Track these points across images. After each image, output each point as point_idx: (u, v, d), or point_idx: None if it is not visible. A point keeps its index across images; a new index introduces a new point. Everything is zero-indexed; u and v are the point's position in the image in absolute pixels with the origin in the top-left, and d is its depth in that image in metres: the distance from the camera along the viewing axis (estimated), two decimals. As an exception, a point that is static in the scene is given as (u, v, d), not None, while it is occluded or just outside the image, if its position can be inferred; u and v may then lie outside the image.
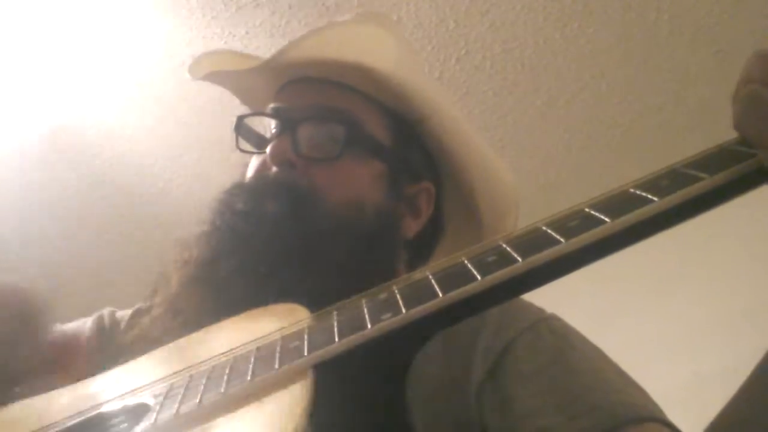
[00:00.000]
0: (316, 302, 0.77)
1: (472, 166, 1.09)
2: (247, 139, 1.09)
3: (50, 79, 2.42)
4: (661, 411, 0.85)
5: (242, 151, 1.08)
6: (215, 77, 1.15)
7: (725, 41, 2.46)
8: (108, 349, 1.03)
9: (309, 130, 1.02)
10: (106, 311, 1.11)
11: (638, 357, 2.16)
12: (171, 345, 0.87)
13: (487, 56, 2.47)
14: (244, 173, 1.07)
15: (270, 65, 1.06)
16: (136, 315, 1.09)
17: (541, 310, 0.96)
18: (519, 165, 2.94)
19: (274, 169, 1.01)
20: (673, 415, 0.85)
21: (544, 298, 1.00)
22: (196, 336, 0.86)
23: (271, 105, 1.08)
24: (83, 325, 1.09)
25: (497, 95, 2.62)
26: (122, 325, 1.08)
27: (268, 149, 1.02)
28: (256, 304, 0.84)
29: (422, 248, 1.10)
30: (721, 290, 2.57)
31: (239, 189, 1.02)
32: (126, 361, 0.89)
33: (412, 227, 1.06)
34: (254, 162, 1.06)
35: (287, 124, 1.03)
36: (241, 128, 1.09)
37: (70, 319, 1.11)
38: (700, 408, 0.88)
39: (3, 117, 2.52)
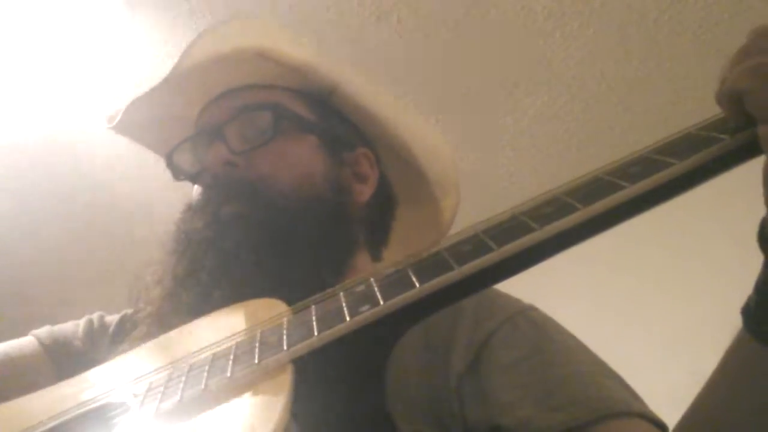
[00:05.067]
0: (296, 286, 0.78)
1: (397, 123, 1.12)
2: (183, 173, 1.10)
3: (46, 83, 2.43)
4: (641, 402, 0.85)
5: (182, 180, 1.10)
6: (132, 131, 1.17)
7: (725, 41, 2.45)
8: (98, 352, 1.04)
9: (236, 127, 1.04)
10: (95, 315, 1.12)
11: (638, 357, 2.16)
12: (150, 344, 0.87)
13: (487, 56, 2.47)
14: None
15: (176, 74, 1.07)
16: (124, 320, 1.10)
17: (519, 302, 0.96)
18: (519, 165, 2.94)
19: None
20: (672, 415, 0.85)
21: (543, 298, 1.00)
22: (175, 334, 0.86)
23: (195, 129, 1.10)
24: (75, 327, 1.09)
25: (497, 95, 2.62)
26: (111, 330, 1.09)
27: (205, 162, 1.04)
28: (241, 302, 0.85)
29: (378, 215, 1.12)
30: (721, 289, 2.56)
31: (193, 208, 1.03)
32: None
33: (363, 191, 1.09)
34: (197, 186, 1.07)
35: (214, 132, 1.05)
36: (173, 163, 1.10)
37: (63, 321, 1.12)
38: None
39: (4, 119, 2.54)
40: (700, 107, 2.68)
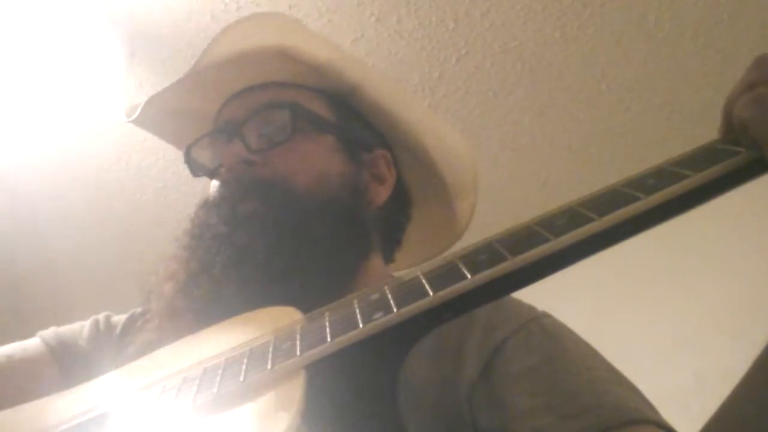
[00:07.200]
0: (307, 285, 0.80)
1: (417, 125, 1.12)
2: (201, 168, 1.10)
3: (51, 78, 2.43)
4: (654, 410, 0.84)
5: (199, 176, 1.11)
6: (151, 124, 1.18)
7: (725, 41, 2.45)
8: (104, 353, 1.04)
9: (255, 126, 1.05)
10: (101, 316, 1.12)
11: (639, 357, 2.17)
12: (165, 348, 0.87)
13: (487, 56, 2.47)
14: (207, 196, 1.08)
15: (197, 70, 1.07)
16: (132, 320, 1.10)
17: (532, 309, 0.96)
18: (519, 165, 2.94)
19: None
20: (674, 416, 0.85)
21: (545, 298, 1.00)
22: (189, 339, 0.86)
23: (214, 125, 1.11)
24: (80, 329, 1.09)
25: (497, 95, 2.62)
26: (117, 330, 1.09)
27: (223, 158, 1.04)
28: (252, 300, 0.85)
29: (394, 218, 1.13)
30: (722, 290, 2.57)
31: (208, 203, 1.03)
32: (121, 365, 0.89)
33: (380, 193, 1.09)
34: (214, 182, 1.07)
35: (232, 129, 1.05)
36: (191, 158, 1.11)
37: (67, 322, 1.12)
38: (701, 408, 0.88)
39: (3, 117, 2.53)
40: (700, 107, 2.69)
